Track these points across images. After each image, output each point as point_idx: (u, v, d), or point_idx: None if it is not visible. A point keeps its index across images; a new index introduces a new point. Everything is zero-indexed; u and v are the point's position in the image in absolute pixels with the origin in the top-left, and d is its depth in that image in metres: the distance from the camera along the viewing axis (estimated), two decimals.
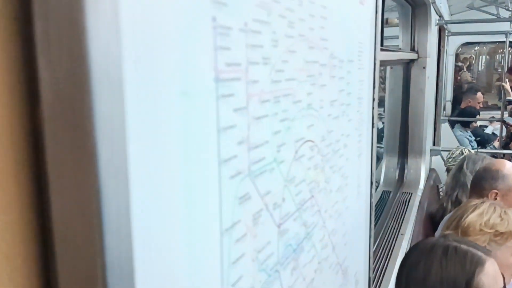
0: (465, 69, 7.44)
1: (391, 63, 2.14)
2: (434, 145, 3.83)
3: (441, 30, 4.05)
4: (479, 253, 0.95)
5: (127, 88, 0.26)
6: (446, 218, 1.75)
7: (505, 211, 1.33)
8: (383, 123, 2.82)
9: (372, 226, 1.09)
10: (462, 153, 2.67)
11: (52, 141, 0.26)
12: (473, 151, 2.77)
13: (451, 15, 4.28)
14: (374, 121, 1.04)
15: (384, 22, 2.46)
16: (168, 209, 0.32)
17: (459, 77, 6.74)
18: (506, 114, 4.24)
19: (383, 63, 1.67)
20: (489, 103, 6.43)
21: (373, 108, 1.02)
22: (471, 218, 1.33)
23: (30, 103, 0.26)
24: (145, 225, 0.30)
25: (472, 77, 7.65)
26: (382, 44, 1.56)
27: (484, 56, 8.07)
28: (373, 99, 1.02)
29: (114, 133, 0.26)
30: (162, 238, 0.32)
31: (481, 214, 1.33)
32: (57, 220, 0.27)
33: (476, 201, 1.42)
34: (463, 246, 0.96)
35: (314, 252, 0.65)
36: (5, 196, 0.25)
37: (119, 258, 0.29)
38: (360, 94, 0.89)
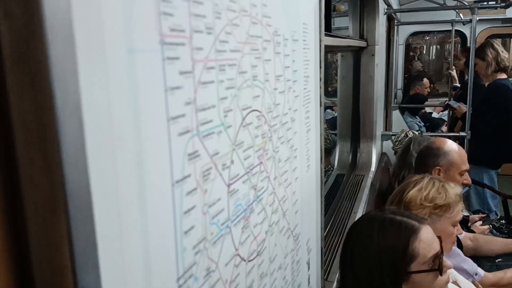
0: (416, 59, 7.73)
1: (340, 49, 2.22)
2: (386, 130, 3.99)
3: (390, 19, 4.21)
4: (413, 222, 1.02)
5: (78, 41, 0.29)
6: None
7: (443, 185, 1.43)
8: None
9: (323, 199, 1.16)
10: (407, 135, 2.81)
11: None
12: (417, 133, 2.93)
13: (401, 5, 4.45)
14: (322, 100, 1.10)
15: (332, 9, 2.54)
16: (119, 160, 0.36)
17: (410, 66, 7.00)
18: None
19: (332, 49, 1.74)
20: (440, 91, 6.74)
21: (320, 87, 1.09)
22: (412, 193, 1.43)
23: None
24: (99, 176, 0.34)
25: (423, 66, 7.96)
26: (330, 30, 1.64)
27: (434, 46, 8.42)
28: (320, 79, 1.08)
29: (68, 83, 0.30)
30: (115, 182, 0.35)
31: (421, 189, 1.42)
32: None
33: (416, 176, 1.51)
34: (398, 217, 1.03)
35: (264, 214, 0.70)
36: None
37: (81, 220, 0.32)
38: (306, 72, 0.95)
